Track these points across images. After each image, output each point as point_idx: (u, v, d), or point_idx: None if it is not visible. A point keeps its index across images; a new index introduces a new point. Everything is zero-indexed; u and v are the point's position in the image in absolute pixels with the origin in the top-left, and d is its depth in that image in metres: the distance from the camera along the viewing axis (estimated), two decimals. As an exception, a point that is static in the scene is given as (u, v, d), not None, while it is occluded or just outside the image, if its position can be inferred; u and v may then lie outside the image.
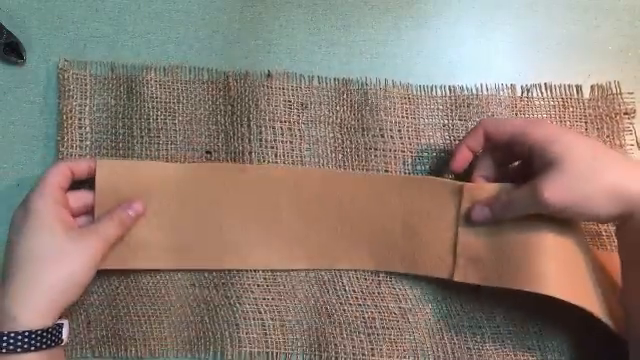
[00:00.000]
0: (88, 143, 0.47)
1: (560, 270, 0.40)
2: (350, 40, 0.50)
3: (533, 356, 0.45)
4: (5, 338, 0.36)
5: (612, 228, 0.46)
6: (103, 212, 0.43)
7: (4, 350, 0.36)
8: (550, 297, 0.42)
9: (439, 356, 0.45)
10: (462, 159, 0.44)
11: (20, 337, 0.36)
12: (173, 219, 0.45)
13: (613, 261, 0.42)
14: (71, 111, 0.47)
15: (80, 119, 0.47)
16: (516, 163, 0.45)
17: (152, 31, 0.49)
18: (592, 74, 0.49)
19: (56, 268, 0.39)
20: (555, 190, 0.37)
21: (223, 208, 0.45)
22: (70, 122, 0.47)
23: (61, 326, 0.39)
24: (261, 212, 0.46)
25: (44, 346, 0.37)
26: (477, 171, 0.44)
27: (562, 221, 0.40)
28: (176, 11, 0.50)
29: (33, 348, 0.37)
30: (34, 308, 0.37)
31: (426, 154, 0.48)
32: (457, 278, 0.43)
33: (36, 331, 0.37)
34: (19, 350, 0.36)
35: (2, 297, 0.38)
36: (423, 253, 0.45)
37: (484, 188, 0.43)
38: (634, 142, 0.48)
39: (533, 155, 0.39)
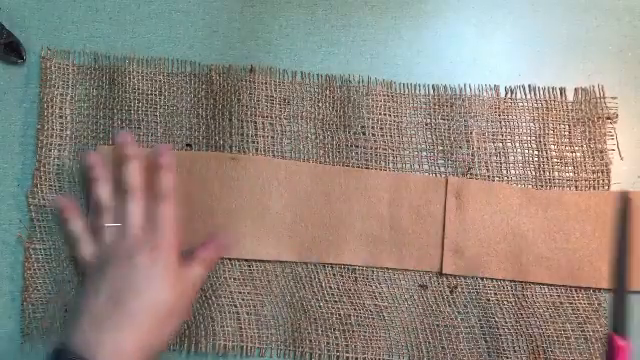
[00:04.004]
0: (68, 133, 0.47)
1: (545, 258, 0.46)
2: (350, 40, 0.49)
3: (508, 357, 0.45)
4: None
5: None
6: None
7: None
8: (526, 298, 0.46)
9: (413, 355, 0.45)
10: None
11: None
12: None
13: None
14: (52, 100, 0.47)
15: (61, 108, 0.47)
16: None
17: (152, 31, 0.49)
18: (592, 74, 0.49)
19: (168, 325, 0.40)
20: None
21: (214, 196, 0.46)
22: (51, 111, 0.47)
23: None
24: (251, 202, 0.46)
25: None
26: None
27: (548, 212, 0.46)
28: (176, 11, 0.49)
29: None
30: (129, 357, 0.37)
31: (407, 152, 0.48)
32: (446, 270, 0.46)
33: None
34: None
35: (95, 325, 0.37)
36: (411, 247, 0.46)
37: (468, 183, 0.46)
38: (615, 147, 0.48)
39: None
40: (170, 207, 0.42)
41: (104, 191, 0.43)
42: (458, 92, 0.48)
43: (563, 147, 0.47)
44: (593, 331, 0.45)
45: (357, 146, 0.47)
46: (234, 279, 0.46)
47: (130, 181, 0.42)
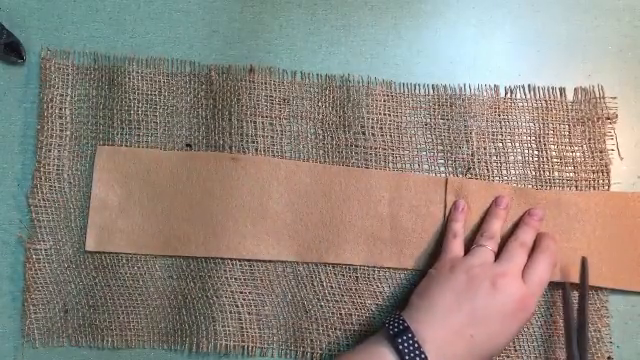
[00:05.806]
0: (68, 133, 0.47)
1: None
2: (350, 40, 0.49)
3: (509, 357, 0.45)
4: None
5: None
6: (101, 197, 0.46)
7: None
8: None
9: (413, 354, 0.45)
10: None
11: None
12: (166, 205, 0.46)
13: None
14: (52, 100, 0.47)
15: (61, 109, 0.47)
16: None
17: (152, 31, 0.49)
18: (592, 74, 0.49)
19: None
20: None
21: (214, 197, 0.46)
22: (51, 112, 0.47)
23: None
24: (251, 203, 0.46)
25: None
26: None
27: (548, 212, 0.46)
28: (176, 11, 0.49)
29: None
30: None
31: (407, 152, 0.48)
32: None
33: None
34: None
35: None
36: (411, 247, 0.46)
37: (468, 183, 0.46)
38: (614, 147, 0.48)
39: None
40: (550, 267, 0.43)
41: (497, 226, 0.45)
42: (458, 92, 0.48)
43: (563, 147, 0.47)
44: (593, 331, 0.45)
45: (357, 146, 0.47)
46: (235, 279, 0.46)
47: (526, 240, 0.44)
